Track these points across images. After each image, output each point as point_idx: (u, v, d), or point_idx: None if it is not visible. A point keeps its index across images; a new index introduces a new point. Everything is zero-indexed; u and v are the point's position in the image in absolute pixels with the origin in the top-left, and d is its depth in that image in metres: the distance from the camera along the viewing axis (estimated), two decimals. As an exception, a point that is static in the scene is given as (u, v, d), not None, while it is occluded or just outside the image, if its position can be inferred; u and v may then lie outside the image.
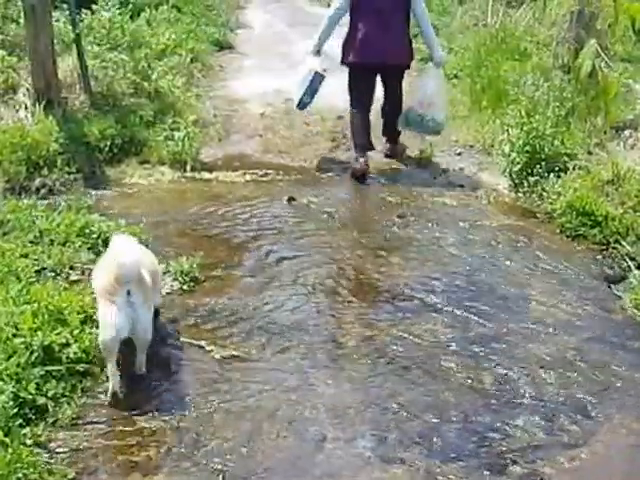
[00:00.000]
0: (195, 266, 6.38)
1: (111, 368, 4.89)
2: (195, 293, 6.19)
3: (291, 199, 7.86)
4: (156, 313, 5.47)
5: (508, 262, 6.81)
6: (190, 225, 7.24)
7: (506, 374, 5.37)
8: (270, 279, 6.44)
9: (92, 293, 5.45)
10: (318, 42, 8.48)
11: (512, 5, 13.47)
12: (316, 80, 8.51)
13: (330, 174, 8.59)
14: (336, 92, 10.21)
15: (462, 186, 8.32)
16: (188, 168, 8.57)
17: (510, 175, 8.18)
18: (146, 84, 9.68)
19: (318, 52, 8.54)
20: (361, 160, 8.37)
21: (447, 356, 5.53)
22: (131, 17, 11.74)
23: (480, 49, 11.43)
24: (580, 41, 9.48)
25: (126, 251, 4.82)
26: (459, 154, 9.13)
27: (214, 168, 8.67)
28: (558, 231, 7.34)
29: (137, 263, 4.78)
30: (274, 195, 7.97)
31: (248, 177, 8.45)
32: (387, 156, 8.95)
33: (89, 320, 5.48)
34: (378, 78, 8.63)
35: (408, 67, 8.65)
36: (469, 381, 5.29)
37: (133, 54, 10.11)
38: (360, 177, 8.34)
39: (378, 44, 8.14)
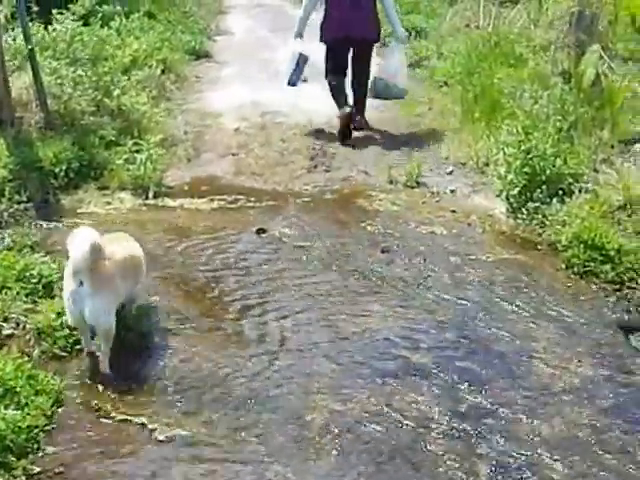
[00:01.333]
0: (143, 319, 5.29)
1: (84, 338, 4.99)
2: (140, 353, 5.08)
3: (261, 231, 6.74)
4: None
5: (507, 307, 5.67)
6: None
7: (506, 462, 4.24)
8: (229, 335, 5.35)
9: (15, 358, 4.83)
10: (298, 27, 9.10)
11: (505, 5, 12.29)
12: (301, 60, 9.05)
13: (306, 199, 7.45)
14: (316, 105, 9.19)
15: (454, 211, 7.17)
16: (150, 194, 7.46)
17: (507, 199, 7.02)
18: (108, 101, 8.53)
19: (300, 35, 9.12)
20: (346, 109, 8.79)
21: (435, 438, 4.41)
22: (101, 26, 10.60)
23: (472, 54, 10.29)
24: (581, 45, 8.31)
25: (79, 244, 4.66)
26: (450, 173, 7.97)
27: (179, 194, 7.56)
28: (564, 267, 6.18)
29: (87, 255, 4.62)
30: (243, 226, 6.86)
31: (216, 204, 7.33)
32: (355, 129, 8.95)
33: (9, 394, 4.48)
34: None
35: (376, 41, 9.23)
36: (461, 473, 4.16)
37: (96, 68, 8.95)
38: (345, 126, 8.78)
39: (352, 22, 8.68)
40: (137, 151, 7.85)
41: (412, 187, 7.66)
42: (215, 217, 7.05)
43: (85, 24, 10.22)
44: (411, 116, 9.45)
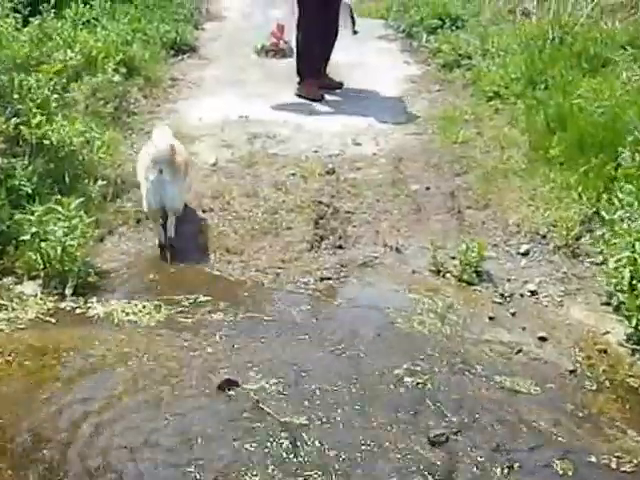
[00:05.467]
0: None
1: (156, 227, 4.89)
2: None
3: (227, 385, 3.65)
4: None
5: None
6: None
7: None
8: None
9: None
10: None
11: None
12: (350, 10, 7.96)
13: (305, 307, 4.34)
14: (326, 123, 6.21)
15: (543, 339, 4.05)
16: (68, 291, 4.42)
17: (635, 326, 3.88)
18: (27, 130, 5.42)
19: None
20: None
21: None
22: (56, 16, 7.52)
23: (533, 54, 7.05)
24: None
25: (161, 139, 4.79)
26: (525, 254, 4.81)
27: (114, 288, 4.51)
28: None
29: (169, 148, 4.67)
30: (199, 369, 3.79)
31: (163, 314, 4.27)
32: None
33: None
34: None
35: None
36: None
37: (26, 77, 5.89)
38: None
39: None
40: (58, 219, 4.75)
41: (470, 283, 4.51)
42: (155, 349, 3.98)
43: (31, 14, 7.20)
44: (454, 144, 6.29)
